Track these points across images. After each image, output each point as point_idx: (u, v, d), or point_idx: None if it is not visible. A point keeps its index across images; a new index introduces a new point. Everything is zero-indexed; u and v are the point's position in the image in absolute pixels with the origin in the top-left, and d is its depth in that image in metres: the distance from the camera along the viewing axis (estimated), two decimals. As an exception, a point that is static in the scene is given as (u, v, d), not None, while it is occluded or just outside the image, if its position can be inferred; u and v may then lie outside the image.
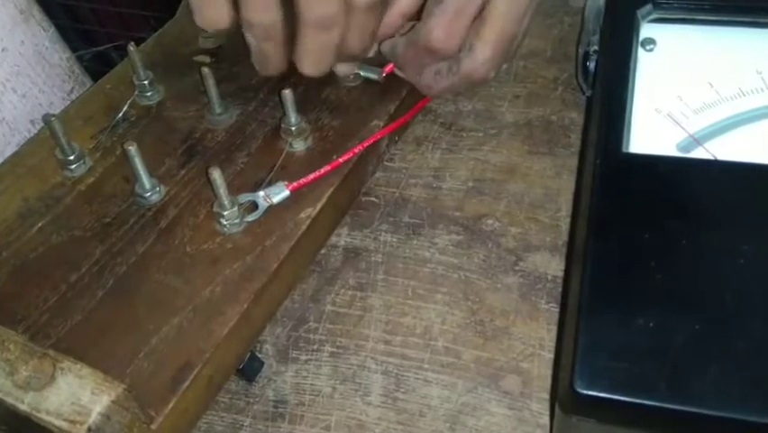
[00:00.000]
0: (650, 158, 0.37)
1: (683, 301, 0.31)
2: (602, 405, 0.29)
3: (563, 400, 0.31)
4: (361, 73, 0.48)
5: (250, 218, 0.40)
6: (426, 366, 0.39)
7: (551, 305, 0.40)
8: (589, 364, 0.29)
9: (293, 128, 0.43)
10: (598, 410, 0.30)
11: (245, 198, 0.41)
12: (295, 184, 0.41)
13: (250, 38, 0.40)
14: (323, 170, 0.42)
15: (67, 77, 0.60)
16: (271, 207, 0.41)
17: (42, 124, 0.45)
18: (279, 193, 0.41)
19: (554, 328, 0.39)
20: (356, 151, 0.43)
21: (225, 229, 0.40)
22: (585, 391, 0.29)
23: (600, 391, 0.29)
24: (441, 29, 0.41)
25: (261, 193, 0.41)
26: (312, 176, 0.42)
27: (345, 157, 0.43)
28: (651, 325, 0.30)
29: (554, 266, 0.42)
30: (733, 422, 0.28)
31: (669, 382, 0.29)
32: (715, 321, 0.30)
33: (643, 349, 0.30)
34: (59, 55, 0.60)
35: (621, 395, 0.29)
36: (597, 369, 0.29)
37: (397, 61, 0.46)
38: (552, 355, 0.38)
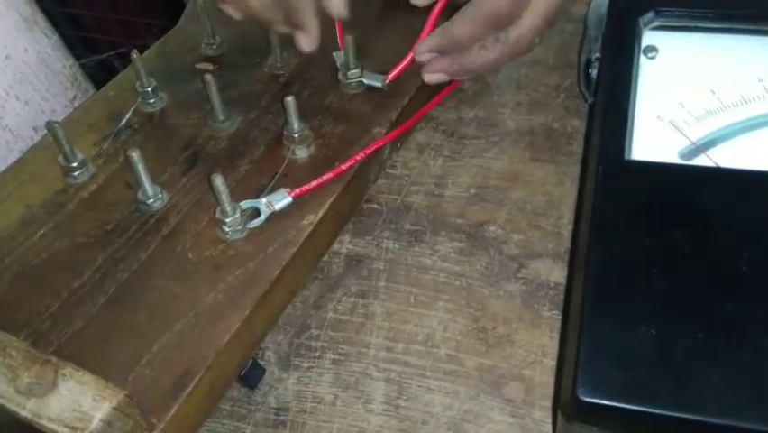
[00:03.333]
0: (652, 165, 0.37)
1: (686, 309, 0.31)
2: (605, 412, 0.29)
3: (566, 407, 0.31)
4: (364, 81, 0.48)
5: (252, 225, 0.40)
6: (429, 374, 0.39)
7: (553, 312, 0.40)
8: (591, 372, 0.29)
9: (295, 135, 0.44)
10: (601, 418, 0.30)
11: (247, 204, 0.41)
12: (297, 191, 0.41)
13: None
14: (325, 177, 0.42)
15: (70, 84, 0.60)
16: (273, 214, 0.41)
17: (45, 131, 0.45)
18: (281, 200, 0.41)
19: (557, 336, 0.39)
20: (358, 158, 0.43)
21: (227, 236, 0.40)
22: (588, 399, 0.29)
23: (603, 399, 0.29)
24: None
25: (264, 200, 0.41)
26: (314, 183, 0.42)
27: (347, 164, 0.43)
28: (653, 332, 0.30)
29: (557, 273, 0.42)
30: (735, 430, 0.28)
31: (671, 390, 0.29)
32: (717, 329, 0.30)
33: (645, 357, 0.30)
34: (62, 63, 0.60)
35: (623, 402, 0.29)
36: (599, 376, 0.29)
37: (446, 44, 0.47)
38: (554, 363, 0.38)
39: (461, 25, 0.45)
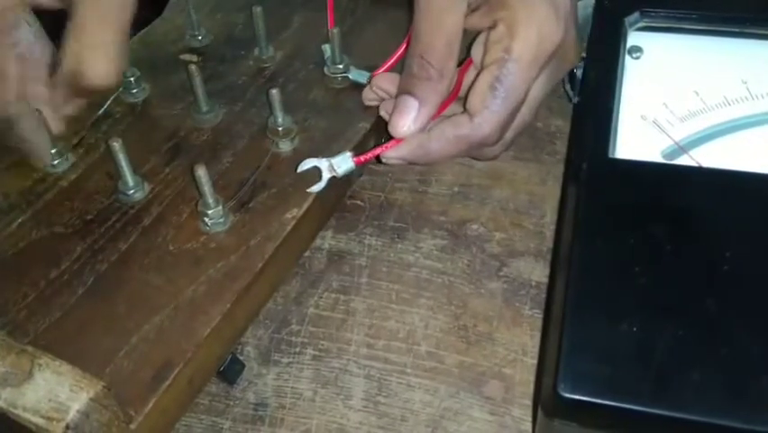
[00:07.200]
0: (635, 164, 0.37)
1: (667, 306, 0.31)
2: (585, 409, 0.29)
3: (547, 403, 0.31)
4: (350, 77, 0.47)
5: (312, 190, 0.40)
6: (409, 371, 0.39)
7: (534, 311, 0.40)
8: (572, 368, 0.29)
9: (280, 128, 0.43)
10: (582, 414, 0.30)
11: (309, 163, 0.41)
12: (361, 157, 0.41)
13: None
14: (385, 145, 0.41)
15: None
16: (255, 208, 0.40)
17: (25, 120, 0.44)
18: (345, 165, 0.41)
19: (537, 334, 0.39)
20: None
21: (209, 228, 0.39)
22: (568, 395, 0.29)
23: (584, 395, 0.29)
24: (493, 125, 0.39)
25: (325, 161, 0.41)
26: (378, 149, 0.41)
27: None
28: (634, 329, 0.30)
29: (538, 272, 0.42)
30: (715, 427, 0.28)
31: (652, 387, 0.29)
32: (698, 326, 0.30)
33: (626, 353, 0.30)
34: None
35: (604, 399, 0.29)
36: (580, 373, 0.29)
37: (419, 158, 0.42)
38: (534, 361, 0.38)
39: (441, 145, 0.40)
